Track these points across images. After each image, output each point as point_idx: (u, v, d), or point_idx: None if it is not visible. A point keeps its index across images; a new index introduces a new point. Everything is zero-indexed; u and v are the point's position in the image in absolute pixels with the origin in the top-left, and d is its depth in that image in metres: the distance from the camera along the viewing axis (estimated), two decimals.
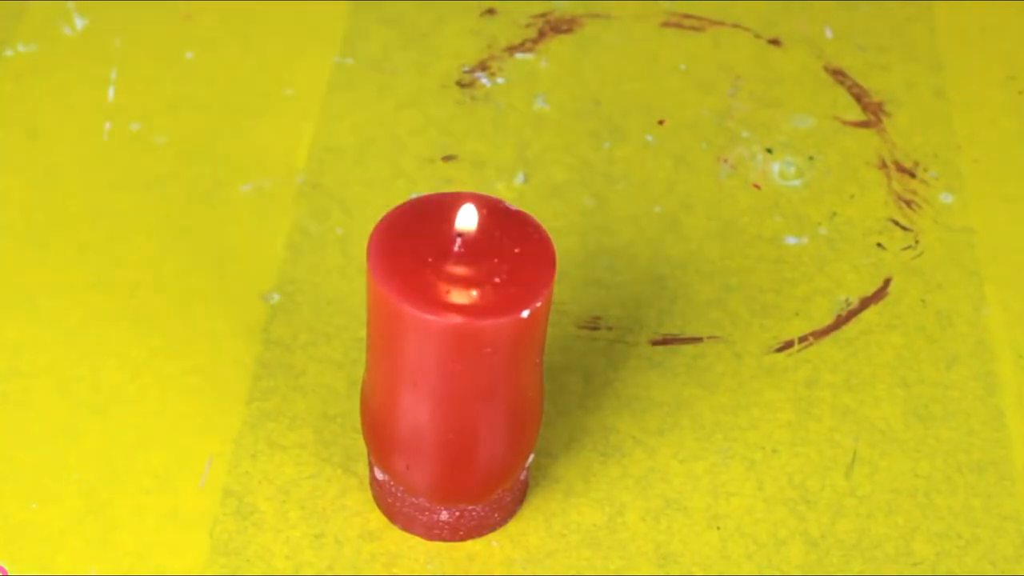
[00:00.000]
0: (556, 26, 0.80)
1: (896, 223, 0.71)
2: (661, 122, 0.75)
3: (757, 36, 0.80)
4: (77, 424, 0.60)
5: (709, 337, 0.65)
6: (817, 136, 0.75)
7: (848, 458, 0.61)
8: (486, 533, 0.58)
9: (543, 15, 0.80)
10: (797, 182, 0.72)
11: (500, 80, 0.76)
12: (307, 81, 0.75)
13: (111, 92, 0.74)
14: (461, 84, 0.76)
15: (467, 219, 0.52)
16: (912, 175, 0.73)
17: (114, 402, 0.61)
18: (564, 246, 0.68)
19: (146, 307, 0.64)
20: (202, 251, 0.67)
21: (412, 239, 0.51)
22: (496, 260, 0.51)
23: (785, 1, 0.82)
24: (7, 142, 0.71)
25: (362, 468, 0.59)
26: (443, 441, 0.54)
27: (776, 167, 0.73)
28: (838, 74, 0.78)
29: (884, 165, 0.74)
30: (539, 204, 0.70)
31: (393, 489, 0.56)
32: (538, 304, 0.51)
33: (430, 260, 0.51)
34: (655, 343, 0.65)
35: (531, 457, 0.57)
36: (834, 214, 0.71)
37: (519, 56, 0.78)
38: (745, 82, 0.77)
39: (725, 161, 0.73)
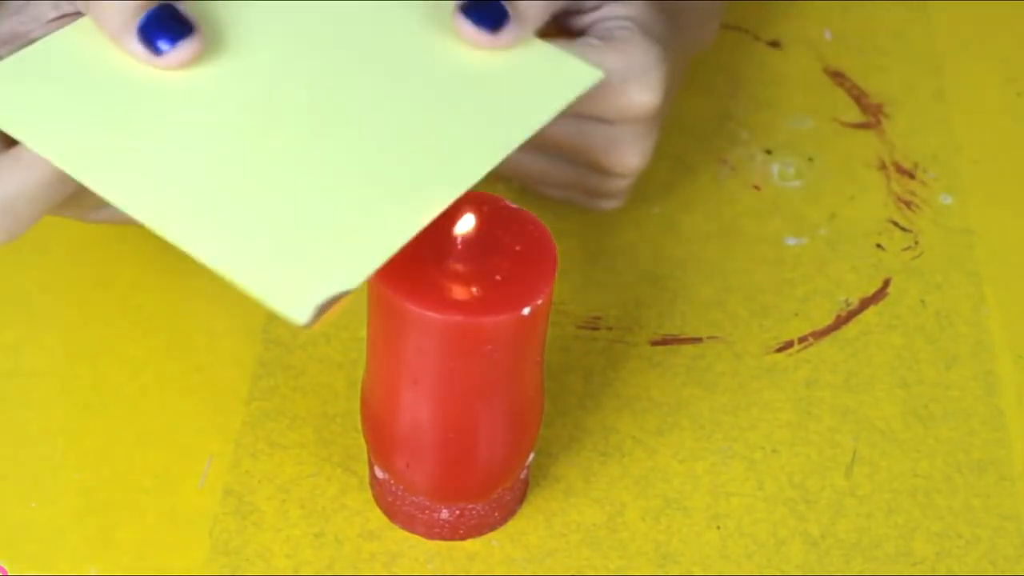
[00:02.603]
0: None
1: (895, 224, 0.71)
2: None
3: (756, 38, 0.80)
4: (76, 423, 0.60)
5: (709, 337, 0.65)
6: (816, 137, 0.75)
7: (848, 458, 0.61)
8: (486, 532, 0.58)
9: None
10: (797, 183, 0.72)
11: None
12: None
13: None
14: None
15: (465, 224, 0.52)
16: (911, 176, 0.73)
17: (114, 401, 0.61)
18: (564, 246, 0.68)
19: (146, 306, 0.64)
20: None
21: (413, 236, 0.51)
22: (497, 258, 0.52)
23: (785, 3, 0.82)
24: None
25: (362, 467, 0.59)
26: (443, 439, 0.54)
27: (776, 168, 0.73)
28: (837, 76, 0.78)
29: (884, 166, 0.74)
30: (539, 204, 0.70)
31: (393, 488, 0.56)
32: (539, 301, 0.51)
33: (431, 257, 0.51)
34: (655, 343, 0.65)
35: (531, 456, 0.57)
36: (833, 215, 0.71)
37: None
38: (745, 84, 0.77)
39: (724, 162, 0.73)
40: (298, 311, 0.47)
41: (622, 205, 0.67)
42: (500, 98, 0.56)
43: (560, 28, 0.62)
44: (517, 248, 0.52)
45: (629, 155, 0.62)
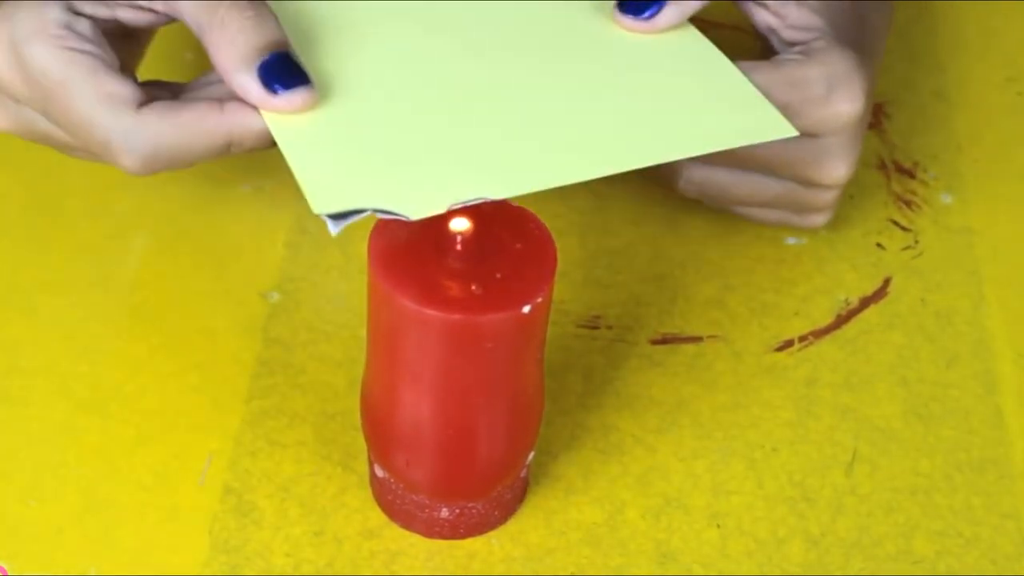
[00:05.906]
0: None
1: (896, 223, 0.71)
2: None
3: (758, 38, 0.80)
4: (76, 422, 0.60)
5: (709, 336, 0.65)
6: None
7: (848, 457, 0.61)
8: (486, 531, 0.58)
9: None
10: None
11: None
12: None
13: None
14: None
15: (459, 224, 0.52)
16: (912, 176, 0.73)
17: (113, 400, 0.61)
18: (564, 245, 0.67)
19: (146, 305, 0.64)
20: (202, 250, 0.67)
21: (413, 234, 0.51)
22: (497, 256, 0.52)
23: None
24: (7, 142, 0.71)
25: (362, 466, 0.59)
26: (443, 437, 0.54)
27: None
28: None
29: (884, 166, 0.74)
30: (539, 203, 0.69)
31: (393, 486, 0.56)
32: (539, 299, 0.51)
33: (431, 255, 0.51)
34: (655, 342, 0.65)
35: (531, 455, 0.57)
36: (834, 214, 0.71)
37: None
38: None
39: None
40: (322, 207, 0.52)
41: (830, 220, 0.67)
42: (680, 111, 0.58)
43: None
44: (517, 246, 0.52)
45: (838, 166, 0.63)
